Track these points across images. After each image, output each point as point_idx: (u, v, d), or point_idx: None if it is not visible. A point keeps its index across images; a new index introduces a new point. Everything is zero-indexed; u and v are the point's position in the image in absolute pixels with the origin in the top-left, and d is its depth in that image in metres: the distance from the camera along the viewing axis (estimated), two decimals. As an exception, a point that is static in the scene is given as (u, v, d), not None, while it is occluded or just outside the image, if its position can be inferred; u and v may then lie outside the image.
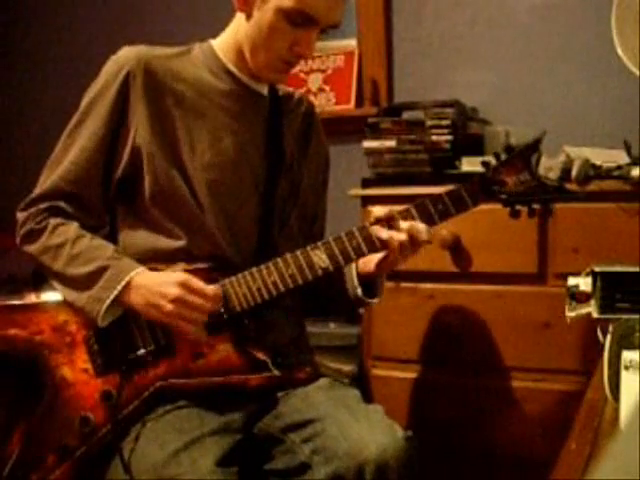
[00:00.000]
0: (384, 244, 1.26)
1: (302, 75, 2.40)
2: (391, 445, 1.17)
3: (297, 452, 1.22)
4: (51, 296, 1.31)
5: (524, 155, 1.28)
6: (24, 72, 2.87)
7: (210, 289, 1.24)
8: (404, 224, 1.25)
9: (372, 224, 1.27)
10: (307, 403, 1.29)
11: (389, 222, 1.27)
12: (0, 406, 1.32)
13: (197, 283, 1.24)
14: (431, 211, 1.27)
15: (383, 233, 1.25)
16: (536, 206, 1.29)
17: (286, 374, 1.31)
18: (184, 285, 1.22)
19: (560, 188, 1.29)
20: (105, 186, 1.33)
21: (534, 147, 1.29)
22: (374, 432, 1.18)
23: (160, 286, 1.23)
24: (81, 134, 1.32)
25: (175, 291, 1.22)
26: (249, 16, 1.30)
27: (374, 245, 1.27)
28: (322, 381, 1.36)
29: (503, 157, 1.28)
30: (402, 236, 1.24)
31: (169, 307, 1.22)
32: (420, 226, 1.26)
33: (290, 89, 1.51)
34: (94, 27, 2.73)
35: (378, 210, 1.31)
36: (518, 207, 1.29)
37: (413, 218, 1.27)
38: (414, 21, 2.29)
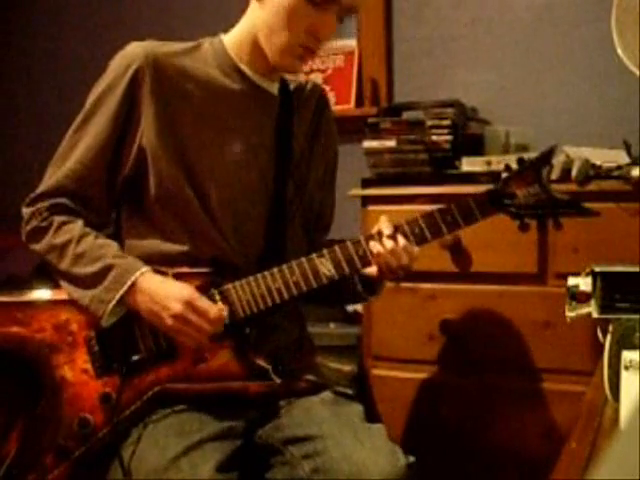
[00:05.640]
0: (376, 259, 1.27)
1: (302, 75, 2.40)
2: (393, 472, 1.16)
3: (297, 467, 1.22)
4: (53, 294, 1.31)
5: (535, 168, 1.26)
6: (25, 69, 2.87)
7: (214, 311, 1.22)
8: (389, 243, 1.25)
9: (367, 238, 1.27)
10: (309, 417, 1.28)
11: (389, 235, 1.26)
12: (-1, 404, 1.32)
13: (202, 303, 1.22)
14: (439, 222, 1.26)
15: (374, 249, 1.26)
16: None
17: (287, 382, 1.30)
18: (188, 304, 1.21)
19: (571, 202, 1.27)
20: (110, 185, 1.32)
21: (545, 160, 1.27)
22: (377, 458, 1.18)
23: (164, 298, 1.22)
24: (87, 132, 1.31)
25: (178, 308, 1.21)
26: (265, 2, 1.28)
27: None
28: (326, 395, 1.34)
29: (514, 169, 1.27)
30: (389, 256, 1.25)
31: (169, 321, 1.22)
32: (400, 248, 1.25)
33: (302, 80, 1.49)
34: (95, 23, 2.73)
35: (384, 220, 1.30)
36: (527, 220, 1.28)
37: (421, 229, 1.26)
38: (414, 21, 2.29)
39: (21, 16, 2.87)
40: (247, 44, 1.34)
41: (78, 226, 1.29)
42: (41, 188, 1.33)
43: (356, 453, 1.18)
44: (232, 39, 1.37)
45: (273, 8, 1.27)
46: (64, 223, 1.29)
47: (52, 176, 1.32)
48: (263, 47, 1.31)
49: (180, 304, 1.21)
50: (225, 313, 1.24)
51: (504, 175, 1.27)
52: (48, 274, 1.32)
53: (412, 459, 1.21)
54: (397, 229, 1.27)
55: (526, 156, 1.32)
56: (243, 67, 1.35)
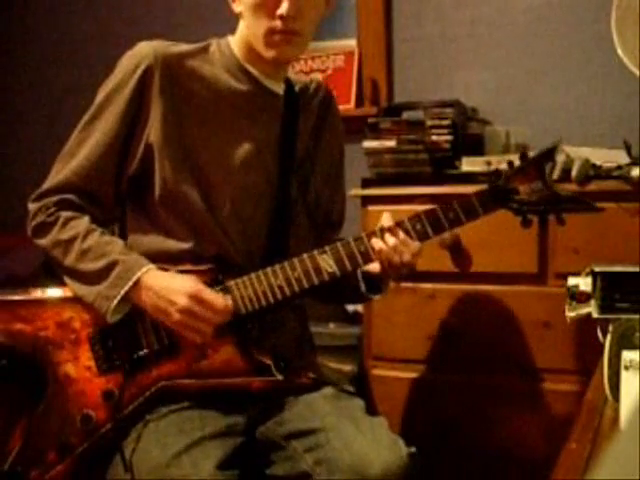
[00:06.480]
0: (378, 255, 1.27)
1: (302, 75, 2.40)
2: (395, 463, 1.17)
3: (299, 460, 1.22)
4: (57, 292, 1.32)
5: (538, 164, 1.27)
6: (28, 69, 2.87)
7: (221, 302, 1.23)
8: (390, 240, 1.25)
9: (368, 235, 1.27)
10: (311, 411, 1.28)
11: (389, 231, 1.26)
12: (2, 401, 1.32)
13: (208, 295, 1.23)
14: (441, 219, 1.26)
15: (376, 245, 1.26)
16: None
17: (289, 379, 1.31)
18: (195, 297, 1.22)
19: (573, 198, 1.27)
20: (117, 182, 1.33)
21: (548, 156, 1.28)
22: (379, 448, 1.19)
23: (170, 293, 1.22)
24: (96, 129, 1.32)
25: (184, 302, 1.21)
26: (241, 10, 1.32)
27: None
28: (327, 390, 1.36)
29: (516, 165, 1.27)
30: (391, 252, 1.25)
31: (176, 316, 1.22)
32: (401, 244, 1.25)
33: (307, 80, 1.50)
34: (98, 23, 2.73)
35: (386, 217, 1.30)
36: (530, 216, 1.28)
37: (423, 225, 1.27)
38: (414, 21, 2.29)
39: (25, 15, 2.87)
40: (245, 47, 1.36)
41: (84, 222, 1.30)
42: (48, 184, 1.34)
43: (358, 444, 1.19)
44: (238, 40, 1.38)
45: (245, 11, 1.32)
46: (70, 219, 1.30)
47: (59, 172, 1.33)
48: (254, 47, 1.33)
49: (186, 297, 1.21)
50: (230, 302, 1.24)
51: (506, 171, 1.28)
52: (52, 272, 1.32)
53: (413, 449, 1.22)
54: (399, 225, 1.27)
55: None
56: (249, 67, 1.37)
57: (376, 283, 1.39)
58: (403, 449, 1.20)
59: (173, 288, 1.23)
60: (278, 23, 1.27)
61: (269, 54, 1.31)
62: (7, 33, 2.89)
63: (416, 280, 1.73)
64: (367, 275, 1.37)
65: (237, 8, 1.34)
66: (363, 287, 1.37)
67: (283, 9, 1.26)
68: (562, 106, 2.11)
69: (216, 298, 1.23)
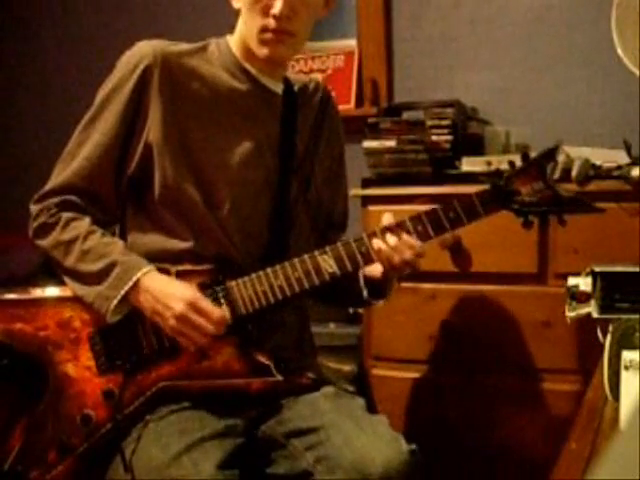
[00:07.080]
0: (378, 255, 1.27)
1: (302, 75, 2.40)
2: (396, 459, 1.17)
3: (300, 459, 1.22)
4: (57, 291, 1.32)
5: (539, 164, 1.26)
6: (28, 70, 2.87)
7: (217, 313, 1.23)
8: (392, 239, 1.25)
9: (369, 235, 1.27)
10: (312, 410, 1.29)
11: (390, 231, 1.26)
12: (2, 401, 1.32)
13: (205, 305, 1.23)
14: (442, 219, 1.26)
15: (376, 245, 1.26)
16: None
17: (289, 379, 1.31)
18: (192, 305, 1.22)
19: (575, 199, 1.27)
20: (118, 183, 1.34)
21: (550, 156, 1.27)
22: (379, 445, 1.19)
23: (167, 297, 1.23)
24: (96, 129, 1.32)
25: (180, 308, 1.21)
26: (240, 6, 1.33)
27: None
28: (327, 389, 1.36)
29: (518, 165, 1.27)
30: (391, 252, 1.25)
31: (171, 322, 1.22)
32: (402, 244, 1.25)
33: (306, 79, 1.50)
34: (99, 24, 2.72)
35: (387, 217, 1.30)
36: (531, 217, 1.28)
37: (424, 226, 1.26)
38: (414, 21, 2.29)
39: (25, 16, 2.87)
40: (242, 45, 1.37)
41: (85, 223, 1.30)
42: (49, 185, 1.34)
43: (359, 440, 1.19)
44: (236, 39, 1.38)
45: (243, 8, 1.32)
46: (72, 220, 1.30)
47: (60, 173, 1.33)
48: (251, 48, 1.33)
49: (182, 304, 1.21)
50: (228, 315, 1.24)
51: (508, 171, 1.27)
52: (52, 272, 1.33)
53: (414, 446, 1.22)
54: (400, 225, 1.27)
55: (528, 154, 1.32)
56: (248, 66, 1.37)
57: (379, 288, 1.38)
58: (404, 446, 1.20)
59: (171, 293, 1.23)
60: (271, 22, 1.28)
61: (262, 52, 1.31)
62: (8, 33, 2.89)
63: (416, 280, 1.73)
64: (369, 280, 1.37)
65: (236, 4, 1.35)
66: (365, 293, 1.37)
67: (276, 9, 1.27)
68: (562, 106, 2.11)
69: (213, 309, 1.23)
